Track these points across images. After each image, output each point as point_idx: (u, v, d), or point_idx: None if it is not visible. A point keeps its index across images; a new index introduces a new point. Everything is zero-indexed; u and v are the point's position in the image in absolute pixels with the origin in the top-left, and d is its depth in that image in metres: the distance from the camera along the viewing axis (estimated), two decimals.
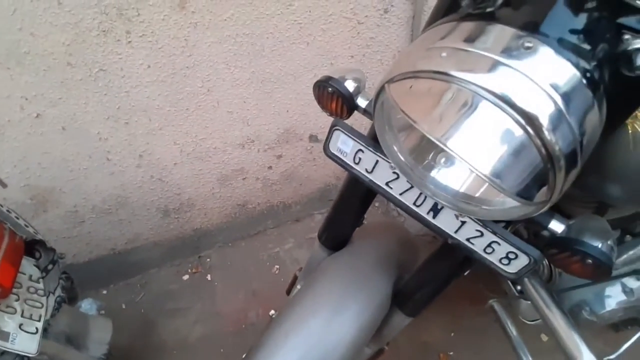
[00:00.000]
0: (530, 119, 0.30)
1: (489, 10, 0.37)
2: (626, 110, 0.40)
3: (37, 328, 0.73)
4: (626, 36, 0.34)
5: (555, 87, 0.31)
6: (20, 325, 0.71)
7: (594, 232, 0.47)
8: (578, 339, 0.66)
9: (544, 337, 1.26)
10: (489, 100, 0.31)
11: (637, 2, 0.34)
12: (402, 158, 0.48)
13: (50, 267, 0.83)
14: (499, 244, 0.49)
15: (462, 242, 0.52)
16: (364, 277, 0.70)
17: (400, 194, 0.54)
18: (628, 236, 0.84)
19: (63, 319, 0.88)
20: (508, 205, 0.41)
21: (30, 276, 0.78)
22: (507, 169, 0.35)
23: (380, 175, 0.55)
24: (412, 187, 0.52)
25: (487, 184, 0.43)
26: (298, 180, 1.48)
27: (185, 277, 1.52)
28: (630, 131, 0.45)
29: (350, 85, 0.61)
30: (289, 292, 0.95)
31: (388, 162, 0.52)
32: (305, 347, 0.63)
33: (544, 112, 0.30)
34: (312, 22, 1.03)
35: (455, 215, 0.51)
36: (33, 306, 0.75)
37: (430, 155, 0.48)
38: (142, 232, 1.35)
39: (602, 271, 0.47)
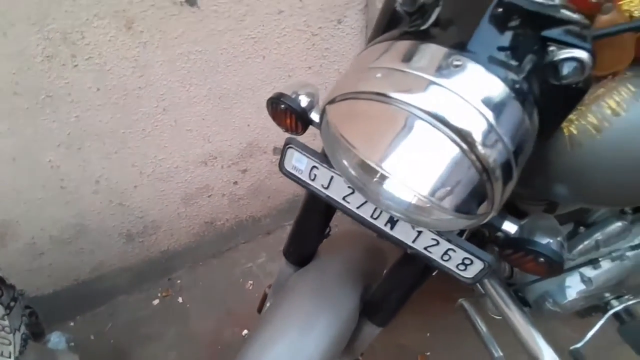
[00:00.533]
0: (463, 136, 0.31)
1: (422, 28, 0.38)
2: (559, 116, 0.42)
3: None
4: (551, 48, 0.35)
5: (485, 103, 0.32)
6: None
7: (545, 231, 0.49)
8: (537, 334, 0.68)
9: None
10: (423, 119, 0.31)
11: (559, 14, 0.36)
12: (353, 173, 0.48)
13: (12, 304, 0.80)
14: (454, 251, 0.50)
15: (420, 251, 0.52)
16: (331, 291, 0.70)
17: (358, 208, 0.55)
18: (581, 228, 0.88)
19: (30, 356, 0.85)
20: (452, 221, 0.41)
21: None
22: (446, 186, 0.35)
23: (337, 191, 0.55)
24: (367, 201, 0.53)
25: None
26: (266, 193, 1.46)
27: (156, 301, 1.47)
28: (566, 134, 0.47)
29: (303, 101, 0.61)
30: (260, 310, 0.94)
31: (342, 177, 0.53)
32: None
33: (475, 128, 0.31)
34: (265, 36, 1.03)
35: (411, 225, 0.51)
36: (2, 343, 0.73)
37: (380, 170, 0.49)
38: (105, 259, 1.30)
39: (554, 268, 0.49)
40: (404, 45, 0.36)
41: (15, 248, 1.11)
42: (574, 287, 0.88)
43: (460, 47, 0.33)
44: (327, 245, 0.79)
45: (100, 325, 1.39)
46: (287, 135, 0.60)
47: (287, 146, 0.57)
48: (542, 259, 0.48)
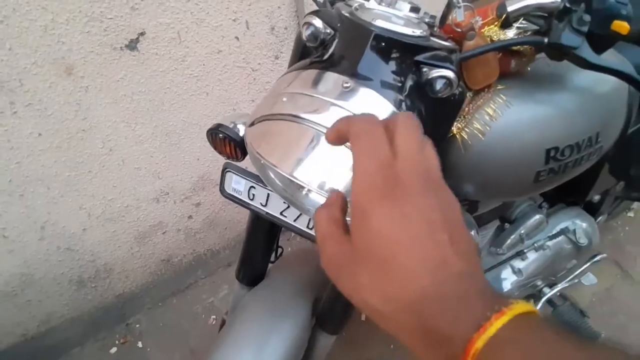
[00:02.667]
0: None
1: (323, 59, 0.45)
2: (446, 123, 0.50)
3: None
4: (424, 69, 0.44)
5: None
6: None
7: None
8: None
9: None
10: (320, 132, 0.37)
11: (428, 43, 0.45)
12: (282, 187, 0.53)
13: None
14: None
15: None
16: (283, 306, 0.73)
17: (294, 220, 0.60)
18: (507, 224, 0.98)
19: None
20: None
21: None
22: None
23: (274, 207, 0.60)
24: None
25: None
26: (222, 225, 1.48)
27: (113, 350, 1.41)
28: (459, 139, 0.55)
29: (240, 129, 0.67)
30: None
31: None
32: None
33: None
34: (207, 74, 1.09)
35: None
36: None
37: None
38: (55, 310, 1.24)
39: None
40: (307, 73, 0.43)
41: None
42: (508, 278, 0.97)
43: (349, 72, 0.41)
44: (278, 265, 0.83)
45: None
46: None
47: (226, 170, 0.62)
48: None
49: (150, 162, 1.16)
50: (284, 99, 0.40)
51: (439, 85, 0.43)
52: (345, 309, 0.72)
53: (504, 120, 0.54)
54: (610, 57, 0.53)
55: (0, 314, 1.14)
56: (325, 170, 0.39)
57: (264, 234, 0.73)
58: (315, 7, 0.53)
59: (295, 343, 0.71)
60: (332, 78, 0.41)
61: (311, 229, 0.59)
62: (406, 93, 0.43)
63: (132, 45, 0.94)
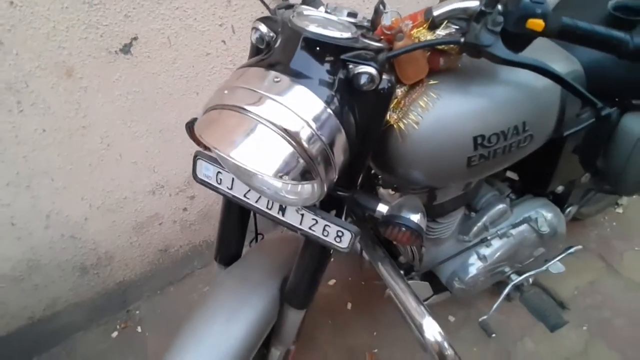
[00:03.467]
0: (288, 134, 0.45)
1: (265, 59, 0.53)
2: (379, 114, 0.57)
3: None
4: (350, 66, 0.51)
5: (301, 108, 0.47)
6: None
7: (408, 209, 0.64)
8: (421, 308, 0.80)
9: (451, 318, 1.42)
10: (256, 119, 0.45)
11: (357, 44, 0.52)
12: (233, 166, 0.61)
13: None
14: (329, 226, 0.63)
15: (306, 231, 0.65)
16: (253, 283, 0.79)
17: (256, 202, 0.67)
18: (472, 213, 1.04)
19: None
20: (302, 197, 0.55)
21: None
22: (285, 168, 0.48)
23: (239, 190, 0.68)
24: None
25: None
26: (216, 217, 1.54)
27: (114, 334, 1.50)
28: (397, 129, 0.63)
29: None
30: None
31: None
32: (205, 351, 0.71)
33: (293, 127, 0.46)
34: (197, 75, 1.18)
35: (296, 210, 0.64)
36: None
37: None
38: (60, 295, 1.35)
39: (415, 236, 0.63)
40: (250, 70, 0.51)
41: None
42: (474, 264, 1.03)
43: (282, 69, 0.49)
44: (254, 248, 0.91)
45: None
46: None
47: (196, 158, 0.70)
48: (404, 229, 0.62)
49: (146, 157, 1.25)
50: (226, 92, 0.48)
51: (362, 79, 0.51)
52: (310, 283, 0.79)
53: (435, 111, 0.61)
54: (533, 55, 0.59)
55: (9, 297, 1.24)
56: (257, 152, 0.46)
57: (235, 216, 0.81)
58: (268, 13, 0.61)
59: (263, 315, 0.77)
60: (267, 74, 0.49)
61: (269, 209, 0.67)
62: (336, 88, 0.51)
63: (126, 49, 1.04)
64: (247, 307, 0.76)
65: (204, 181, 0.71)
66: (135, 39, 1.03)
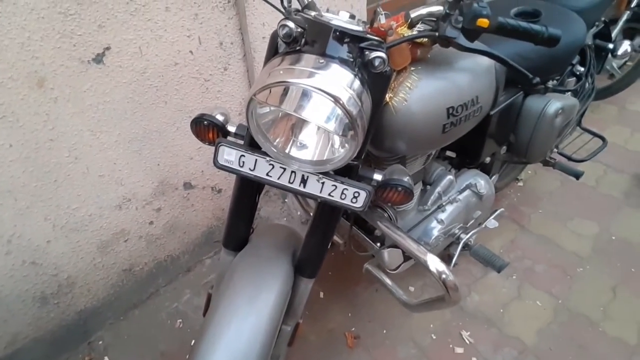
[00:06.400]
0: (336, 99, 0.58)
1: (297, 48, 0.65)
2: (381, 92, 0.73)
3: None
4: (366, 52, 0.66)
5: (343, 82, 0.60)
6: None
7: (399, 173, 0.79)
8: (421, 248, 0.95)
9: (411, 288, 1.62)
10: (314, 91, 0.57)
11: (367, 36, 0.67)
12: (273, 149, 0.71)
13: None
14: (347, 189, 0.75)
15: (326, 197, 0.77)
16: (267, 264, 0.85)
17: (278, 178, 0.77)
18: (428, 186, 1.26)
19: None
20: (337, 158, 0.68)
21: None
22: (335, 124, 0.61)
23: (261, 170, 0.76)
24: (284, 171, 0.75)
25: (325, 150, 0.70)
26: (181, 229, 1.56)
27: None
28: (391, 105, 0.79)
29: (220, 117, 0.84)
30: (205, 312, 1.04)
31: (264, 158, 0.74)
32: (235, 340, 0.74)
33: (343, 95, 0.59)
34: (165, 84, 1.22)
35: (317, 180, 0.76)
36: None
37: (290, 144, 0.73)
38: (20, 330, 1.22)
39: (408, 194, 0.78)
40: (290, 57, 0.63)
41: None
42: (434, 227, 1.23)
43: (322, 54, 0.61)
44: (257, 233, 0.98)
45: None
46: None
47: (219, 144, 0.77)
48: (400, 189, 0.77)
49: (114, 169, 1.23)
50: (281, 72, 0.59)
51: (377, 62, 0.66)
52: (319, 251, 0.89)
53: (417, 90, 0.79)
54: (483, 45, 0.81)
55: None
56: (318, 113, 0.59)
57: (247, 199, 0.88)
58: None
59: (281, 293, 0.83)
60: (310, 58, 0.61)
61: (291, 183, 0.77)
62: (358, 68, 0.65)
63: (99, 58, 1.05)
64: (266, 287, 0.81)
65: (225, 166, 0.78)
66: (108, 48, 1.05)
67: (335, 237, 1.39)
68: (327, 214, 0.84)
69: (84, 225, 1.24)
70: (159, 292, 1.62)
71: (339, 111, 0.59)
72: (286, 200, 1.85)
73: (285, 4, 0.78)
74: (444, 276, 0.86)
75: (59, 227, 1.19)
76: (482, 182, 1.30)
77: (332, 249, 1.66)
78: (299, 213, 1.86)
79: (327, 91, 0.58)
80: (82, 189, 1.19)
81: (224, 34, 1.28)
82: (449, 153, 1.35)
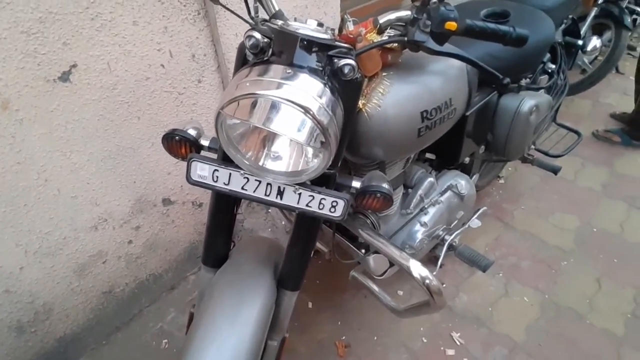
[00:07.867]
0: (306, 109, 0.57)
1: (265, 59, 0.64)
2: (353, 99, 0.72)
3: None
4: (335, 60, 0.65)
5: (312, 91, 0.59)
6: None
7: (377, 179, 0.78)
8: (404, 254, 0.94)
9: (400, 292, 1.61)
10: (282, 102, 0.56)
11: (335, 44, 0.67)
12: (246, 162, 0.70)
13: None
14: (325, 199, 0.74)
15: (304, 208, 0.75)
16: (248, 279, 0.83)
17: (254, 192, 0.75)
18: (409, 189, 1.25)
19: None
20: (312, 168, 0.67)
21: None
22: (306, 135, 0.59)
23: (236, 184, 0.75)
24: (260, 183, 0.73)
25: (300, 160, 0.69)
26: (163, 247, 1.52)
27: None
28: (365, 112, 0.78)
29: (192, 132, 0.82)
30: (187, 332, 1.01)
31: (238, 171, 0.72)
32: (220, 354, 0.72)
33: (312, 105, 0.57)
34: (137, 99, 1.19)
35: (293, 191, 0.74)
36: None
37: (263, 156, 0.71)
38: None
39: (387, 200, 0.77)
40: (258, 68, 0.62)
41: None
42: (418, 230, 1.23)
43: (289, 64, 0.60)
44: (237, 248, 0.96)
45: None
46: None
47: (191, 160, 0.74)
48: (379, 195, 0.76)
49: (87, 190, 1.19)
50: (247, 84, 0.57)
51: (346, 70, 0.65)
52: (301, 264, 0.88)
53: (390, 95, 0.79)
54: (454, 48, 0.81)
55: None
56: (288, 125, 0.58)
57: (224, 215, 0.86)
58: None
59: (264, 309, 0.80)
60: (277, 68, 0.60)
61: (267, 195, 0.75)
62: (327, 75, 0.64)
63: (65, 77, 1.01)
64: (247, 303, 0.79)
65: (199, 182, 0.76)
66: (74, 66, 1.02)
67: (320, 246, 1.38)
68: (306, 224, 0.83)
69: (58, 249, 1.20)
70: (142, 313, 1.58)
71: (309, 122, 0.58)
72: (269, 210, 1.82)
73: (252, 14, 0.77)
74: (427, 281, 0.86)
75: (32, 253, 1.14)
76: (463, 183, 1.31)
77: (317, 258, 1.64)
78: (283, 223, 1.83)
79: (296, 102, 0.57)
80: (54, 212, 1.14)
81: (196, 46, 1.26)
82: (428, 155, 1.36)
